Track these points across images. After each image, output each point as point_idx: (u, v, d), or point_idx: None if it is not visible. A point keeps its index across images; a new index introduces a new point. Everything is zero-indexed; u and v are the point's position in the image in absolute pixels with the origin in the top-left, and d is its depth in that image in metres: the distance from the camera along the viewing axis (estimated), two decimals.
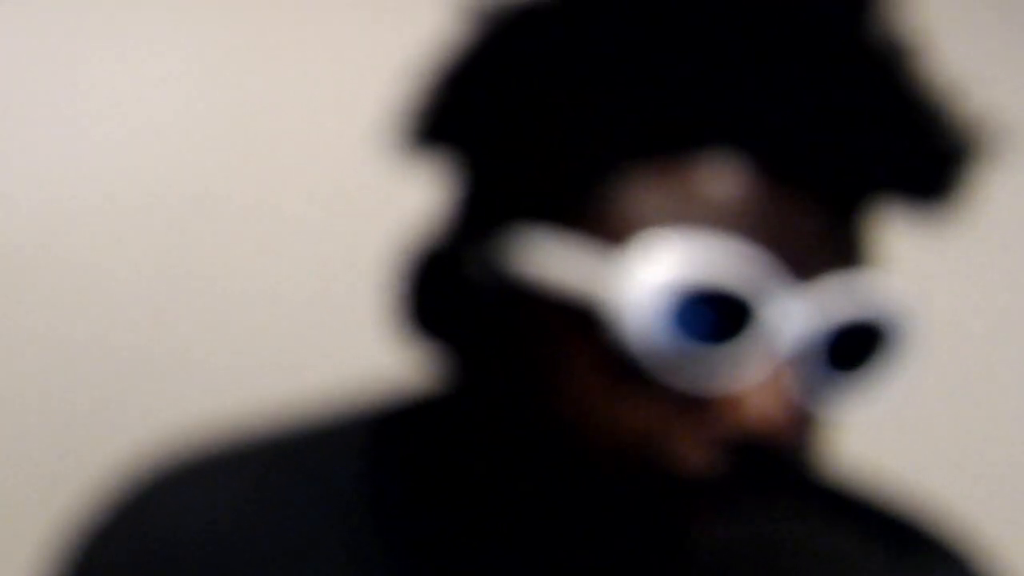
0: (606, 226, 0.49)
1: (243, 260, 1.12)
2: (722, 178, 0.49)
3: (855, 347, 0.51)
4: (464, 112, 0.54)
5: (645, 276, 0.47)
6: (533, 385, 0.51)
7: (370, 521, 0.58)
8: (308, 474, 0.60)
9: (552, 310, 0.50)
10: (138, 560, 0.59)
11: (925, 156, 0.52)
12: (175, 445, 0.63)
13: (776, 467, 0.50)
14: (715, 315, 0.48)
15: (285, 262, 1.11)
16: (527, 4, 0.53)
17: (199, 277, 1.11)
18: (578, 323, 0.49)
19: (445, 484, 0.58)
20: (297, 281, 1.10)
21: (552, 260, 0.50)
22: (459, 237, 0.53)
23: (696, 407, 0.49)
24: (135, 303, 1.10)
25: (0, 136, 1.08)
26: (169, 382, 1.10)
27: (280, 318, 1.11)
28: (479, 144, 0.55)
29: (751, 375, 0.48)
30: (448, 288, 0.53)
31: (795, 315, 0.48)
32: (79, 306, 1.09)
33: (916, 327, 0.51)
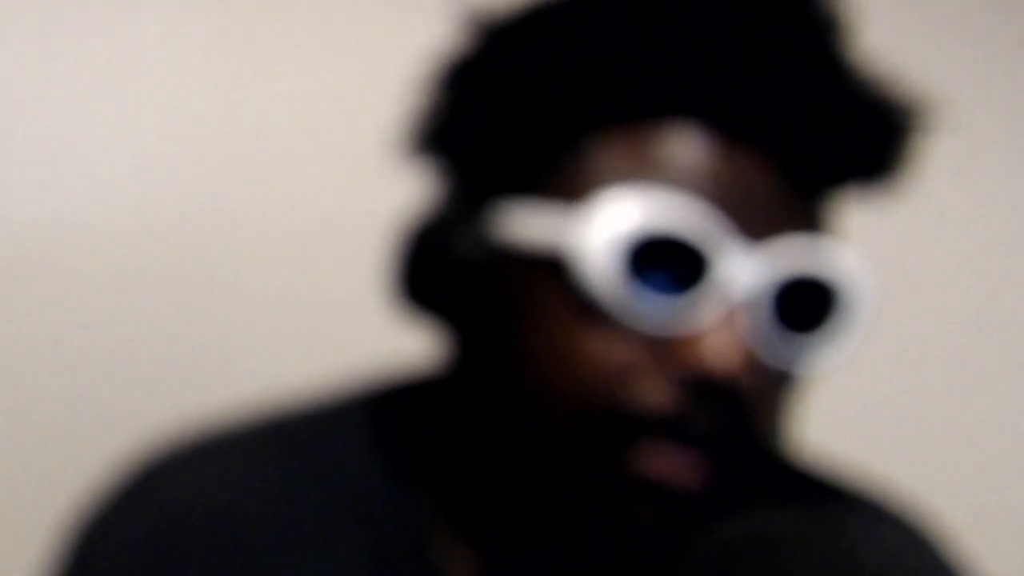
0: (574, 189, 0.54)
1: (244, 258, 1.11)
2: (679, 143, 0.54)
3: (808, 308, 0.55)
4: (451, 111, 0.58)
5: (603, 226, 0.52)
6: (512, 336, 0.55)
7: (373, 495, 0.60)
8: (311, 452, 0.62)
9: (528, 266, 0.54)
10: (147, 537, 0.60)
11: (872, 129, 0.56)
12: (180, 432, 0.64)
13: (736, 416, 0.53)
14: (668, 263, 0.53)
15: (286, 263, 1.11)
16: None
17: (201, 275, 1.10)
18: (550, 274, 0.54)
19: (443, 455, 0.60)
20: (300, 281, 1.09)
21: (529, 224, 0.54)
22: (449, 216, 0.57)
23: (655, 348, 0.53)
24: (134, 302, 1.09)
25: None
26: (173, 378, 1.09)
27: (284, 317, 1.09)
28: (464, 134, 0.59)
29: (704, 320, 0.52)
30: (439, 261, 0.56)
31: (745, 267, 0.52)
32: (78, 307, 1.08)
33: (866, 291, 0.55)
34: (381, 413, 0.63)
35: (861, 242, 0.62)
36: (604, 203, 0.53)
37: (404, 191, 0.62)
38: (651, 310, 0.52)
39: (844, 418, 0.90)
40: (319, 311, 0.99)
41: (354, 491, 0.61)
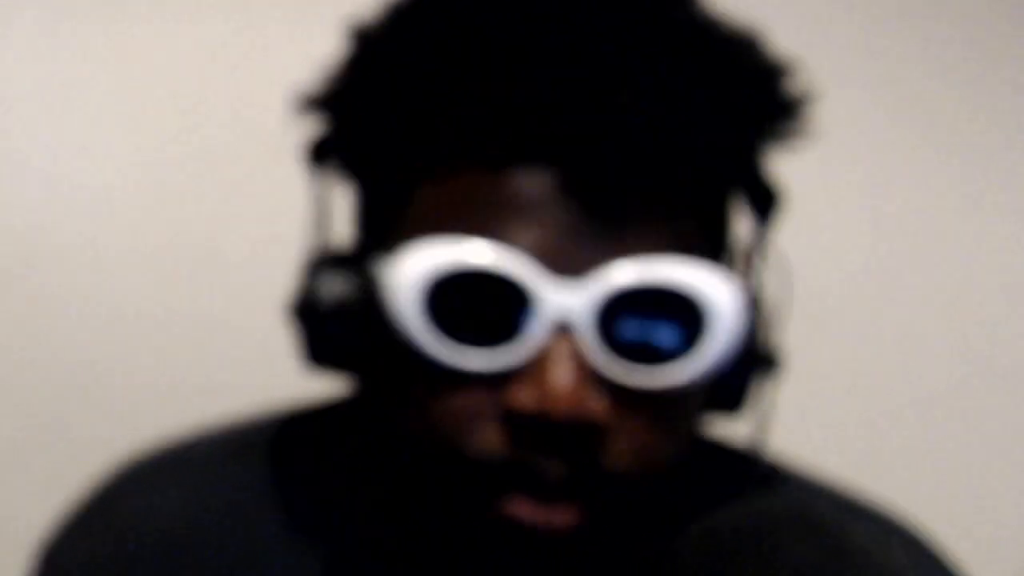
0: (403, 235, 0.54)
1: (240, 260, 1.12)
2: (492, 184, 0.53)
3: (667, 323, 0.53)
4: (329, 135, 0.59)
5: (406, 269, 0.52)
6: (381, 390, 0.56)
7: (279, 521, 0.61)
8: (233, 475, 0.63)
9: (376, 319, 0.54)
10: (105, 556, 0.61)
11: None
12: (142, 448, 0.66)
13: (592, 448, 0.52)
14: (483, 305, 0.52)
15: (285, 264, 1.12)
16: (372, 25, 0.58)
17: (193, 282, 1.12)
18: (385, 327, 0.53)
19: (337, 485, 0.62)
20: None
21: (377, 275, 0.54)
22: (340, 252, 0.57)
23: (489, 391, 0.52)
24: (127, 305, 1.10)
25: None
26: (163, 387, 1.11)
27: (275, 317, 1.11)
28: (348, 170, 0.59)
29: (518, 357, 0.52)
30: (323, 301, 0.56)
31: (564, 296, 0.51)
32: (69, 311, 1.09)
33: (720, 301, 0.53)
34: (281, 442, 0.64)
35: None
36: (410, 247, 0.53)
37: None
38: (469, 352, 0.52)
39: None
40: None
41: (258, 518, 0.62)
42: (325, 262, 0.56)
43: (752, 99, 0.56)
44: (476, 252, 0.51)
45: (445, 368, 0.52)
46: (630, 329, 0.52)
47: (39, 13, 1.10)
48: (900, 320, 1.25)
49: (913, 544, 0.66)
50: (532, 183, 0.52)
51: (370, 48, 0.57)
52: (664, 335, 0.53)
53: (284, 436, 0.64)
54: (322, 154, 0.59)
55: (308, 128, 0.60)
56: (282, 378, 1.06)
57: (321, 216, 0.59)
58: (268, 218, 1.12)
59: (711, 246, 0.56)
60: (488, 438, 0.52)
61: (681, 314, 0.53)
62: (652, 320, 0.52)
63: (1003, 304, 1.26)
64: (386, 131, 0.55)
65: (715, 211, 0.57)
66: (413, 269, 0.52)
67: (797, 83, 0.57)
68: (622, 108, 0.52)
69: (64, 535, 0.64)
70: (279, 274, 1.09)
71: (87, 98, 1.11)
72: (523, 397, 0.51)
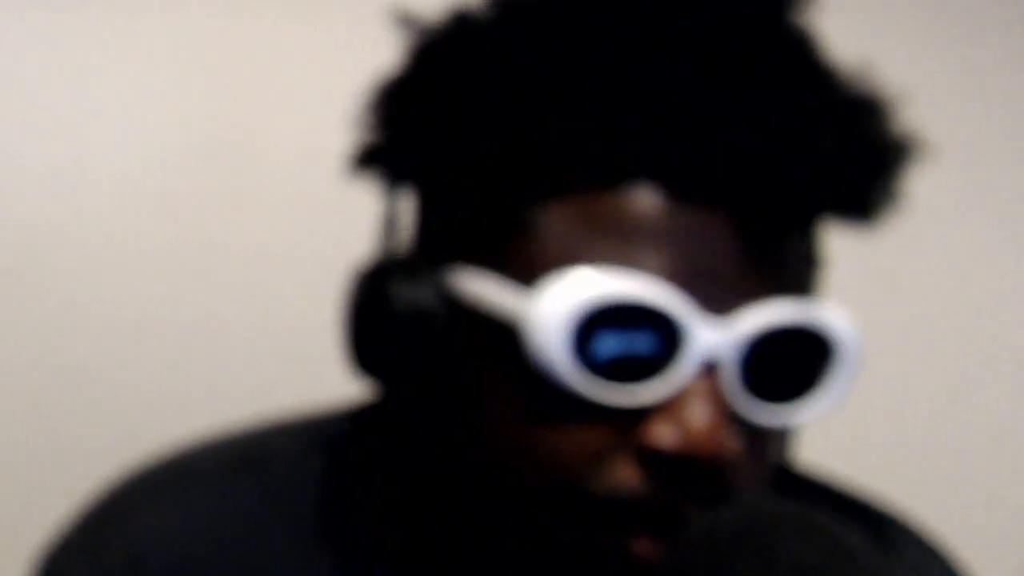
0: (529, 257, 0.51)
1: (240, 259, 1.11)
2: (635, 208, 0.50)
3: (793, 365, 0.52)
4: (397, 146, 0.56)
5: (558, 299, 0.49)
6: (462, 411, 0.53)
7: (319, 530, 0.60)
8: (272, 480, 0.61)
9: (483, 330, 0.52)
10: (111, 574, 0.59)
11: (845, 178, 0.52)
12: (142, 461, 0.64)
13: (711, 486, 0.50)
14: (629, 337, 0.50)
15: (284, 263, 1.11)
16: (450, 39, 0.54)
17: (195, 278, 1.11)
18: (506, 344, 0.51)
19: (383, 499, 0.60)
20: (297, 284, 1.10)
21: (485, 287, 0.52)
22: (408, 260, 0.55)
23: (623, 427, 0.50)
24: (128, 306, 1.09)
25: None
26: (165, 384, 1.10)
27: (275, 316, 1.10)
28: (416, 180, 0.57)
29: (660, 393, 0.50)
30: (390, 310, 0.53)
31: (710, 334, 0.49)
32: (71, 306, 1.08)
33: (848, 341, 0.52)
34: (329, 449, 0.62)
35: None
36: (558, 276, 0.50)
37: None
38: (610, 386, 0.50)
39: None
40: (314, 306, 0.97)
41: (296, 527, 0.60)
42: (395, 271, 0.53)
43: (874, 132, 0.54)
44: (632, 285, 0.49)
45: (578, 400, 0.50)
46: (767, 367, 0.51)
47: (40, 14, 1.08)
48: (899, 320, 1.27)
49: (915, 542, 0.67)
50: (682, 213, 0.50)
51: (469, 55, 0.53)
52: (797, 374, 0.52)
53: (310, 448, 0.62)
54: (383, 162, 0.56)
55: (357, 135, 0.57)
56: (286, 383, 1.07)
57: (389, 224, 0.56)
58: (273, 221, 1.12)
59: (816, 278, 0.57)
60: (623, 475, 0.50)
61: (813, 352, 0.52)
62: (787, 358, 0.52)
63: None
64: (497, 145, 0.52)
65: (819, 244, 0.57)
66: (564, 299, 0.49)
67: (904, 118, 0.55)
68: (792, 148, 0.50)
69: (69, 551, 0.62)
70: (281, 277, 1.10)
71: (91, 95, 1.09)
72: (665, 436, 0.50)
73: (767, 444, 0.53)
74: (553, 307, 0.49)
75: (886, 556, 0.60)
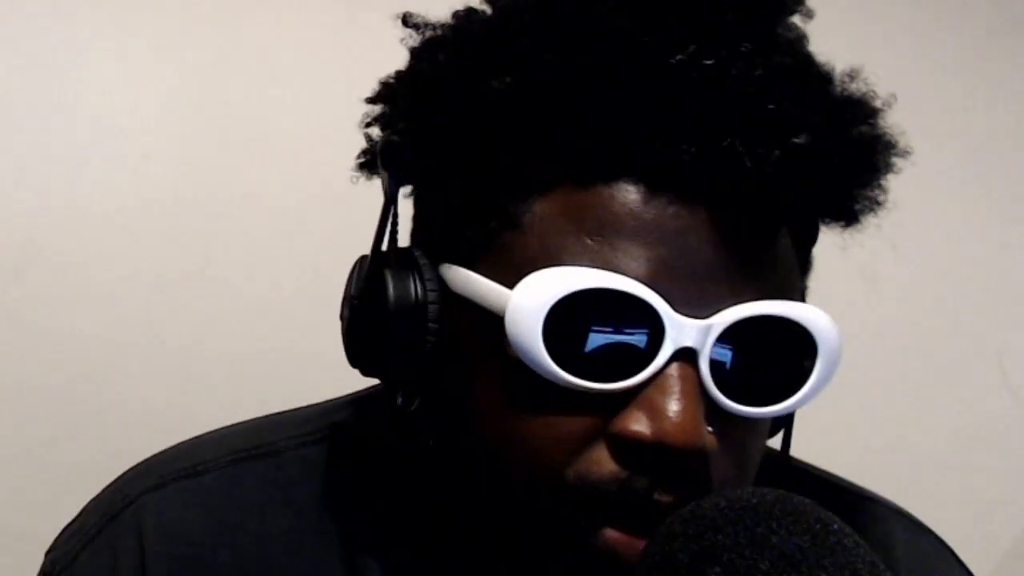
0: (516, 256, 0.52)
1: (239, 259, 1.12)
2: (616, 206, 0.51)
3: (771, 354, 0.53)
4: (396, 145, 0.56)
5: (539, 290, 0.50)
6: (455, 400, 0.54)
7: (325, 517, 0.61)
8: (268, 475, 0.62)
9: (478, 323, 0.53)
10: (115, 571, 0.60)
11: (829, 180, 0.53)
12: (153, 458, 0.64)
13: (685, 475, 0.51)
14: (601, 332, 0.51)
15: (283, 263, 1.12)
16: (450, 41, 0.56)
17: (193, 277, 1.12)
18: (498, 338, 0.51)
19: (387, 486, 0.61)
20: (297, 283, 1.11)
21: (477, 280, 0.53)
22: (407, 253, 0.56)
23: (604, 417, 0.51)
24: (126, 302, 1.10)
25: None
26: (165, 380, 1.11)
27: (275, 314, 1.10)
28: (414, 177, 0.58)
29: (636, 382, 0.50)
30: (391, 301, 0.54)
31: (678, 331, 0.50)
32: (70, 306, 1.09)
33: (825, 342, 0.53)
34: (331, 438, 0.63)
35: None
36: (539, 270, 0.51)
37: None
38: (592, 376, 0.50)
39: None
40: (313, 305, 0.98)
41: (319, 507, 0.61)
42: (392, 265, 0.54)
43: (868, 135, 0.55)
44: (609, 278, 0.50)
45: (557, 390, 0.51)
46: (744, 360, 0.52)
47: (39, 14, 1.09)
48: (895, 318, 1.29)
49: (902, 523, 0.68)
50: (663, 210, 0.51)
51: (473, 50, 0.54)
52: (774, 367, 0.53)
53: (315, 438, 0.63)
54: (392, 159, 0.56)
55: (357, 135, 0.58)
56: (286, 383, 1.07)
57: (386, 218, 0.57)
58: (273, 221, 1.13)
59: (804, 276, 0.57)
60: (597, 461, 0.51)
61: (790, 345, 0.53)
62: (764, 351, 0.52)
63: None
64: (485, 142, 0.53)
65: (809, 243, 0.58)
66: (541, 292, 0.50)
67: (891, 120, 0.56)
68: (773, 148, 0.50)
69: (79, 541, 0.62)
70: (278, 281, 1.11)
71: (89, 102, 1.10)
72: (641, 425, 0.50)
73: (745, 436, 0.54)
74: (529, 299, 0.50)
75: (872, 536, 0.60)
